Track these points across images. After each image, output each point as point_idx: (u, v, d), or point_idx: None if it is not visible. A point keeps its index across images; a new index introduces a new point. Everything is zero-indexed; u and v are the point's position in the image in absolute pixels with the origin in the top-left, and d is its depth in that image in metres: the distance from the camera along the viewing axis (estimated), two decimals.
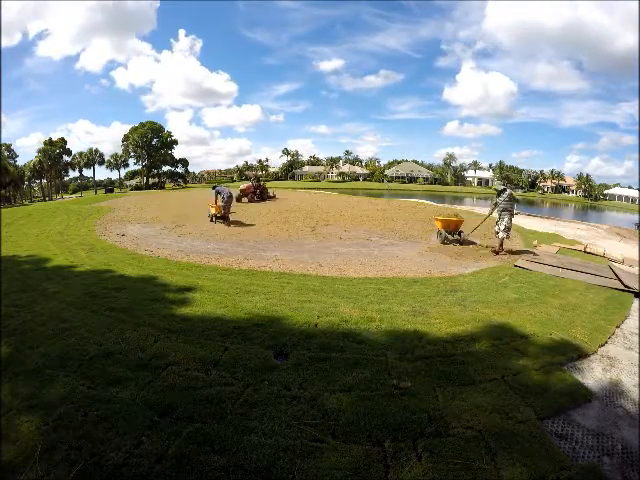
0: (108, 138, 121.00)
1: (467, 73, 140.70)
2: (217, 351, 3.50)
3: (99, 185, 65.31)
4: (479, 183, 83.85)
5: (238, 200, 18.71)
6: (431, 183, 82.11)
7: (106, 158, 59.48)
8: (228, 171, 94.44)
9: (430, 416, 2.66)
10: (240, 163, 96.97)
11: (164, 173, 64.81)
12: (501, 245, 8.62)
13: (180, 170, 66.10)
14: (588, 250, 9.51)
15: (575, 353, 3.75)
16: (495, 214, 8.89)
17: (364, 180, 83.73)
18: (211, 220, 12.48)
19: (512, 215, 8.67)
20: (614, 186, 74.77)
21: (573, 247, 9.90)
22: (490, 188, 74.85)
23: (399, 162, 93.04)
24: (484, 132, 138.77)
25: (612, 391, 3.19)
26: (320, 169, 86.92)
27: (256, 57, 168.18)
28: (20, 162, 53.40)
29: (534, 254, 8.59)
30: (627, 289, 6.15)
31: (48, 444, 2.29)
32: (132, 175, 70.29)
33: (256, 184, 21.32)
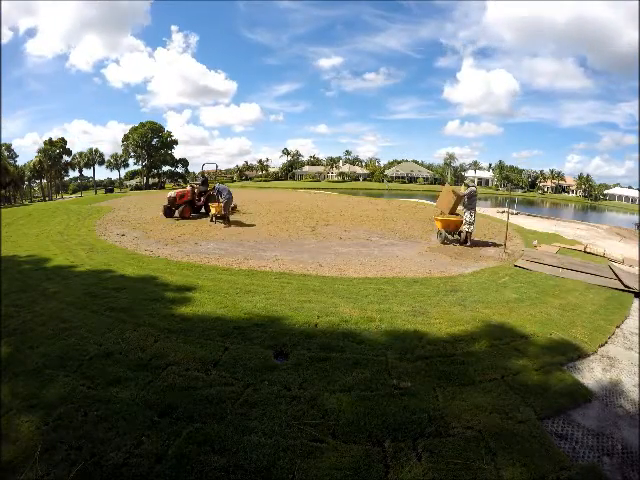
0: (106, 138, 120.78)
1: (468, 71, 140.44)
2: (217, 351, 3.50)
3: (99, 185, 65.29)
4: (479, 183, 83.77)
5: (168, 215, 12.97)
6: (431, 183, 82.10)
7: (105, 158, 59.54)
8: (228, 171, 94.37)
9: (430, 416, 2.66)
10: (240, 163, 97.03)
11: (164, 173, 64.82)
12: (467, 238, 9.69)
13: (180, 170, 66.13)
14: (588, 250, 9.51)
15: (575, 353, 3.75)
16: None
17: (364, 180, 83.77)
18: (211, 220, 12.48)
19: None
20: (614, 186, 74.78)
21: (573, 247, 9.90)
22: (490, 188, 74.91)
23: (399, 162, 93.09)
24: (485, 132, 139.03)
25: (612, 391, 3.19)
26: (320, 169, 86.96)
27: (256, 57, 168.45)
28: (20, 162, 53.47)
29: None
30: (627, 289, 6.15)
31: (48, 444, 2.29)
32: (132, 175, 70.30)
33: (200, 189, 13.77)
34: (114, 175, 69.13)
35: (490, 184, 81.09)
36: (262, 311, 4.52)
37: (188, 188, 13.96)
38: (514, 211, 18.49)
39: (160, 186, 59.36)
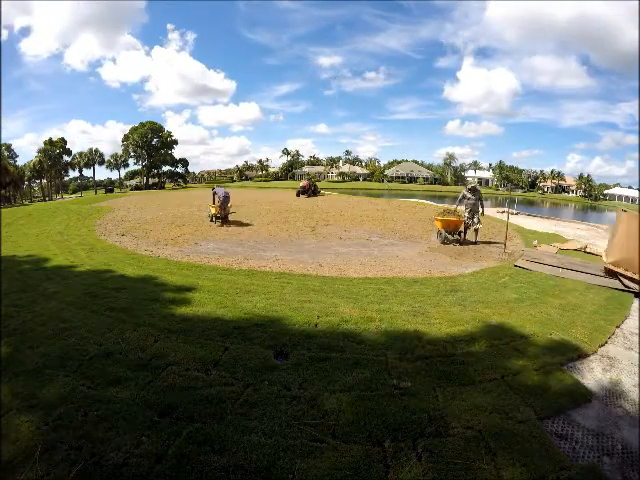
0: (105, 137, 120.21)
1: (468, 70, 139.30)
2: (217, 351, 3.50)
3: (99, 185, 65.28)
4: (479, 183, 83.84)
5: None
6: (431, 183, 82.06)
7: (105, 158, 59.54)
8: (228, 171, 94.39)
9: (430, 416, 2.66)
10: (240, 163, 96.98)
11: (164, 173, 64.82)
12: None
13: (180, 170, 66.12)
14: (588, 250, 9.51)
15: (575, 353, 3.75)
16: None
17: (364, 180, 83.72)
18: (211, 220, 12.49)
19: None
20: (614, 186, 74.75)
21: (573, 247, 9.90)
22: (490, 188, 74.90)
23: (399, 162, 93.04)
24: (485, 131, 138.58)
25: (612, 391, 3.19)
26: (320, 169, 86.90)
27: (256, 57, 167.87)
28: (20, 162, 53.48)
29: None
30: (627, 289, 6.15)
31: (48, 444, 2.29)
32: (132, 175, 70.30)
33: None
34: (114, 175, 69.19)
35: (490, 184, 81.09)
36: (262, 311, 4.52)
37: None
38: (514, 211, 18.49)
39: (160, 186, 59.34)
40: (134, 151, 60.44)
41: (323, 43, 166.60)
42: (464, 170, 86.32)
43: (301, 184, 27.31)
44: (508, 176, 78.61)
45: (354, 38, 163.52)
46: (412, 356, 3.51)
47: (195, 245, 8.88)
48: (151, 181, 62.99)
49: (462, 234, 9.97)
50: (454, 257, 8.26)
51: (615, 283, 6.51)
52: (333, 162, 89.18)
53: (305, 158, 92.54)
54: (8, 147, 53.53)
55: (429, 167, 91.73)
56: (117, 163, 60.75)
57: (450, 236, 9.78)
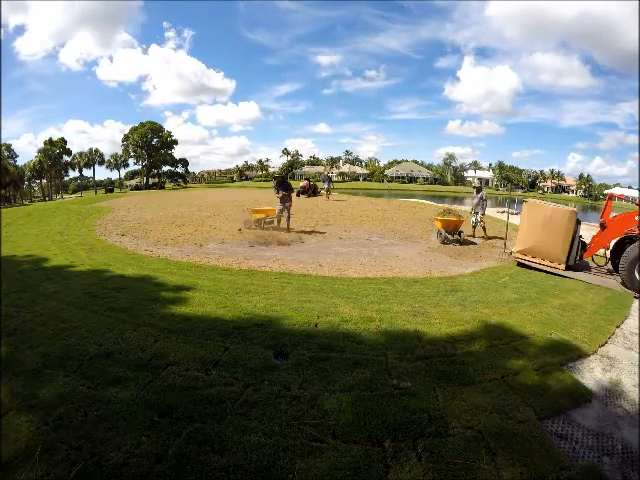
0: (103, 137, 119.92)
1: (469, 69, 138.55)
2: (217, 351, 3.50)
3: (99, 185, 65.29)
4: (479, 183, 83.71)
5: None
6: (431, 183, 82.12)
7: (104, 157, 59.56)
8: (228, 171, 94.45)
9: (430, 416, 2.66)
10: (240, 163, 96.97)
11: (164, 173, 64.84)
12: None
13: (180, 170, 66.15)
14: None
15: (575, 353, 3.75)
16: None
17: (364, 180, 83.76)
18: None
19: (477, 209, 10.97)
20: (614, 186, 74.74)
21: None
22: (490, 188, 74.89)
23: (399, 162, 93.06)
24: (486, 131, 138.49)
25: (612, 391, 3.19)
26: (320, 169, 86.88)
27: (257, 57, 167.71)
28: (20, 162, 53.48)
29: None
30: (627, 289, 6.15)
31: (48, 444, 2.29)
32: (132, 175, 70.34)
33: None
34: (114, 175, 69.24)
35: (490, 184, 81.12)
36: (262, 311, 4.52)
37: None
38: (514, 211, 18.46)
39: (160, 186, 59.40)
40: (134, 151, 60.50)
41: (323, 43, 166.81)
42: (464, 170, 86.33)
43: (301, 184, 27.26)
44: (508, 176, 78.63)
45: (354, 38, 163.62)
46: (412, 356, 3.51)
47: (195, 245, 8.87)
48: (151, 181, 63.05)
49: (462, 234, 10.10)
50: (454, 257, 8.26)
51: (614, 284, 6.52)
52: (333, 162, 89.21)
53: (305, 158, 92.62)
54: (8, 147, 53.55)
55: (429, 167, 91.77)
56: (117, 163, 60.84)
57: (450, 236, 9.83)
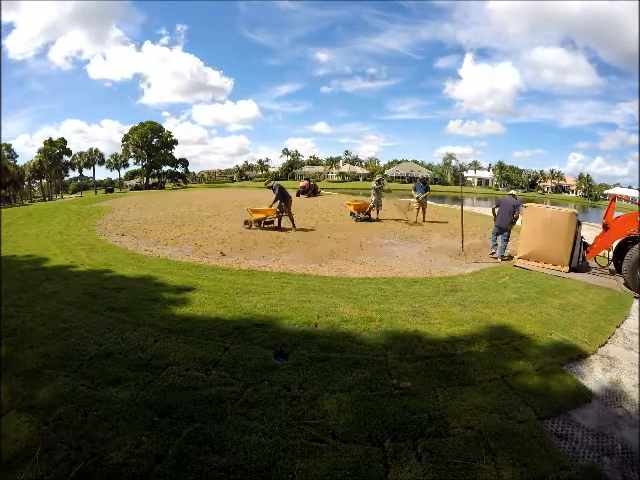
0: (101, 137, 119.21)
1: (471, 67, 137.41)
2: (217, 351, 3.50)
3: (99, 185, 65.30)
4: (479, 183, 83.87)
5: None
6: (431, 183, 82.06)
7: (104, 157, 59.55)
8: (228, 171, 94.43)
9: (430, 416, 2.66)
10: (240, 163, 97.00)
11: (164, 173, 64.83)
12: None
13: (180, 170, 66.14)
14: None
15: (575, 353, 3.75)
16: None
17: (364, 180, 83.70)
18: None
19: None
20: (614, 186, 74.70)
21: None
22: (490, 188, 74.91)
23: (399, 162, 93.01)
24: (487, 131, 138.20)
25: (612, 391, 3.19)
26: (320, 169, 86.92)
27: (257, 58, 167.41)
28: (20, 162, 53.49)
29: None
30: (627, 289, 6.15)
31: (48, 444, 2.29)
32: (132, 175, 70.33)
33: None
34: (114, 175, 69.24)
35: (490, 184, 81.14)
36: (262, 311, 4.52)
37: None
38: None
39: (160, 186, 59.38)
40: (134, 151, 60.49)
41: (323, 44, 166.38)
42: (464, 170, 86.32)
43: (301, 184, 27.27)
44: (508, 176, 78.63)
45: (354, 39, 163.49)
46: (412, 356, 3.51)
47: (195, 245, 8.86)
48: (151, 181, 63.02)
49: (370, 214, 13.15)
50: (454, 257, 8.26)
51: (614, 284, 6.52)
52: (333, 162, 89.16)
53: (305, 158, 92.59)
54: (8, 147, 53.56)
55: (429, 167, 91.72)
56: (117, 163, 60.81)
57: (361, 215, 13.16)
